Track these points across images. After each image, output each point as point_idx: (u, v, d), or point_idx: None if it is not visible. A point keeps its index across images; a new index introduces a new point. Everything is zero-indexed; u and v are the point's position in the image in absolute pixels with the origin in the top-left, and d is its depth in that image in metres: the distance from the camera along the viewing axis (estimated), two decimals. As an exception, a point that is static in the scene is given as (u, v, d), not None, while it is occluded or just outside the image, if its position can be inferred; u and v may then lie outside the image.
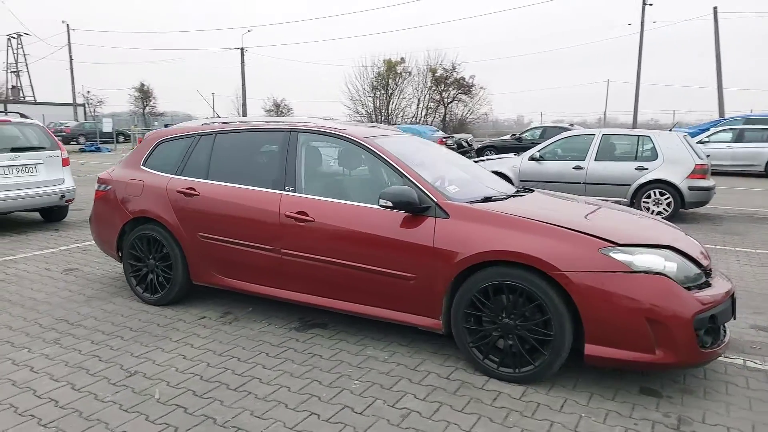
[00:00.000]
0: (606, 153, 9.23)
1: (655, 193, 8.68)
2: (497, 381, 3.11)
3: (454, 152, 4.89)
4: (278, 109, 56.94)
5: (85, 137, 30.95)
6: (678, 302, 2.79)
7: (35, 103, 47.59)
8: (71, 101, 40.53)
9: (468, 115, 51.82)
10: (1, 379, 3.07)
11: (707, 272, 3.25)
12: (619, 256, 2.90)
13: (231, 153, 4.14)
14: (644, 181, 8.73)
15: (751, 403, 2.94)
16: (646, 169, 8.74)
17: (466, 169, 4.39)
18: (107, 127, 28.50)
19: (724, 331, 3.17)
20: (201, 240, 4.05)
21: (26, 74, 54.94)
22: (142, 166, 4.49)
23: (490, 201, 3.50)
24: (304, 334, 3.78)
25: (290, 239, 3.68)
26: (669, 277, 2.85)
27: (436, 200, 3.32)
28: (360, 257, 3.45)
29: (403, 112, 49.79)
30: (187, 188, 4.12)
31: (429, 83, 49.77)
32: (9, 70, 53.44)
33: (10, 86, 53.81)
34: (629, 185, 8.82)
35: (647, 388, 3.06)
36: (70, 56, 36.96)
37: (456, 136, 23.17)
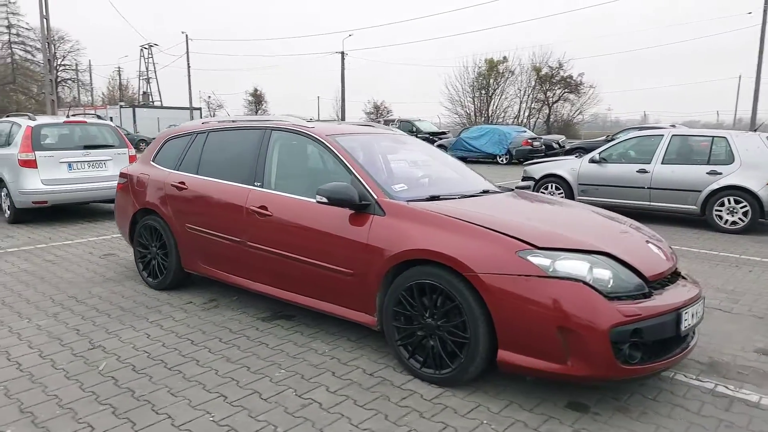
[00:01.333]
0: (675, 155, 8.50)
1: (729, 200, 7.86)
2: (420, 381, 3.10)
3: (441, 151, 4.86)
4: (378, 111, 58.22)
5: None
6: (593, 312, 2.62)
7: (161, 107, 52.86)
8: (190, 105, 44.43)
9: (575, 115, 49.64)
10: (-9, 342, 3.59)
11: (662, 283, 3.00)
12: (537, 259, 2.77)
13: (217, 149, 4.46)
14: (717, 187, 7.94)
15: (690, 428, 2.67)
16: (720, 173, 7.95)
17: (441, 169, 4.35)
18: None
19: (682, 348, 2.91)
20: (188, 230, 4.40)
21: (155, 81, 61.24)
22: (151, 162, 4.96)
23: (435, 200, 3.47)
24: (267, 324, 3.98)
25: (253, 232, 3.90)
26: (588, 285, 2.68)
27: (376, 198, 3.37)
28: (309, 252, 3.58)
29: (505, 113, 48.78)
30: (179, 182, 4.50)
31: (533, 82, 48.33)
32: (141, 78, 59.92)
33: (141, 92, 60.28)
34: (700, 191, 8.07)
35: (576, 403, 2.89)
36: (188, 64, 40.65)
37: (545, 137, 22.33)
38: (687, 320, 2.88)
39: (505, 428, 2.65)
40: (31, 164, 7.56)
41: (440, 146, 22.24)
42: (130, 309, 4.27)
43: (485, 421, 2.71)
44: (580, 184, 9.21)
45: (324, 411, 2.78)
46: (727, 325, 4.10)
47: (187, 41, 40.96)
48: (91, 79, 68.97)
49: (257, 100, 76.07)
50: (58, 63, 73.40)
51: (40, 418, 2.68)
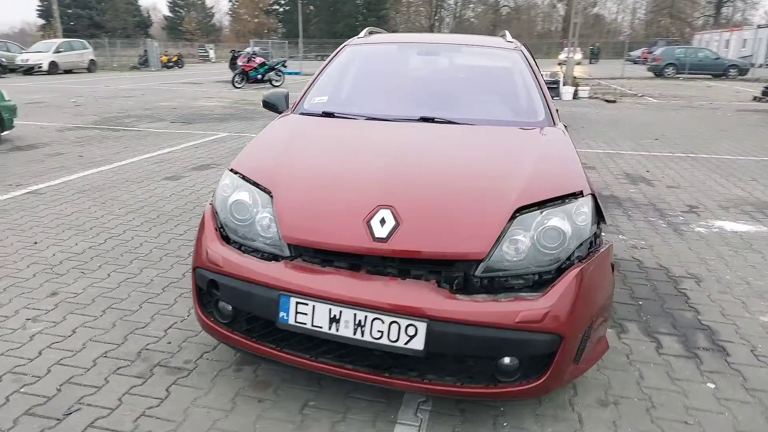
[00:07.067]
0: None
1: None
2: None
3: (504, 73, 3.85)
4: None
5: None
6: (199, 246, 2.50)
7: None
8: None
9: None
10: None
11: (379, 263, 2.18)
12: (222, 182, 2.65)
13: None
14: None
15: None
16: None
17: (443, 90, 3.77)
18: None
19: (299, 344, 2.27)
20: None
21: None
22: None
23: (327, 117, 3.34)
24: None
25: None
26: (216, 218, 2.54)
27: (286, 108, 3.69)
28: None
29: None
30: None
31: None
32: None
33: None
34: None
35: (263, 383, 2.66)
36: None
37: None
38: (306, 315, 2.11)
39: (189, 375, 2.72)
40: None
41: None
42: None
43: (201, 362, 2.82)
44: None
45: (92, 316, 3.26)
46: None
47: None
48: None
49: None
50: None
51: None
